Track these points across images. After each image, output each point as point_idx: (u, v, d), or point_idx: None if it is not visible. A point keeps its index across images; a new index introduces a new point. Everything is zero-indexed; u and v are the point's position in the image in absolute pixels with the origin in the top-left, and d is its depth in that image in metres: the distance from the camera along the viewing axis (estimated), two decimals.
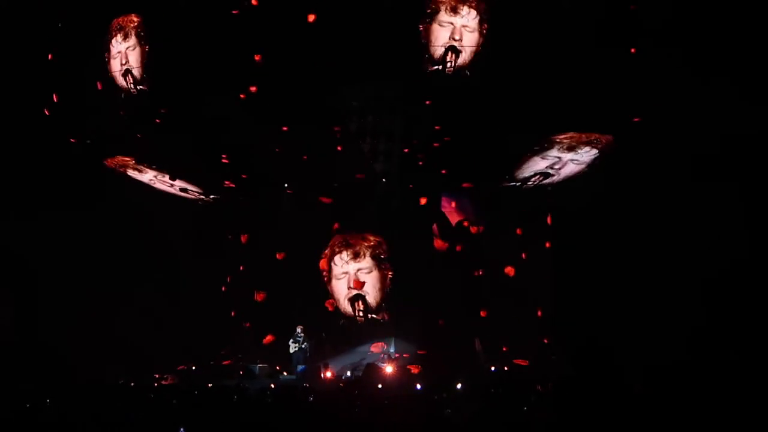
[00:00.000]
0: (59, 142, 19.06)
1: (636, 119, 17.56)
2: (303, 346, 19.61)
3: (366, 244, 20.39)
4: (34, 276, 19.32)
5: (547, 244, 19.85)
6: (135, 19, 19.13)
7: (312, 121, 18.97)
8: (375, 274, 20.29)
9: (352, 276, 20.22)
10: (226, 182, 20.59)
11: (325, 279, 20.44)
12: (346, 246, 20.36)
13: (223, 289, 21.17)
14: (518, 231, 19.92)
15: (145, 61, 19.04)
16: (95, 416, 10.96)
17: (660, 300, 17.25)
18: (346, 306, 20.31)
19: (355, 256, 20.23)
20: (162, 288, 20.24)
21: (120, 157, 20.16)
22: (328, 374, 18.79)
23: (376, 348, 19.97)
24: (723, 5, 16.19)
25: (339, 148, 19.62)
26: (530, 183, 19.60)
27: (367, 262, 20.29)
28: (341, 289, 20.36)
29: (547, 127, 18.34)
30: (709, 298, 16.73)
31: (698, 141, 16.87)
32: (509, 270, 19.66)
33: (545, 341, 19.31)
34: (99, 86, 19.04)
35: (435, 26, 17.77)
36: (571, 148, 18.81)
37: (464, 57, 17.86)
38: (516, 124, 17.84)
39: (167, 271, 20.23)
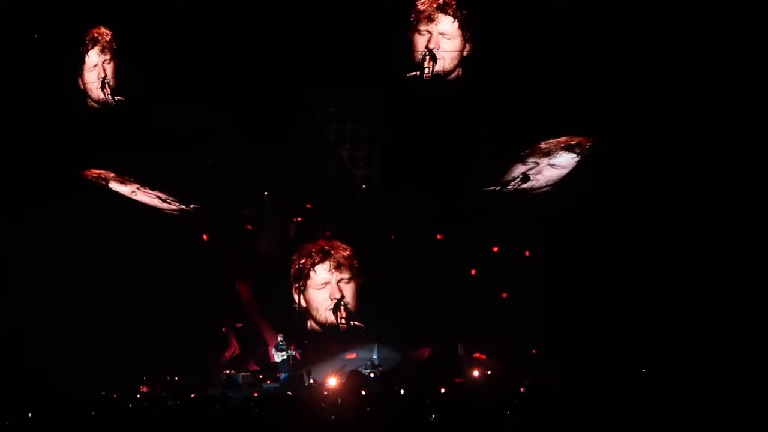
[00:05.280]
0: (35, 148, 18.89)
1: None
2: (287, 354, 19.52)
3: (344, 253, 20.37)
4: (9, 287, 19.00)
5: (527, 253, 19.87)
6: (108, 32, 19.15)
7: (291, 128, 19.03)
8: (353, 283, 20.25)
9: (334, 286, 20.19)
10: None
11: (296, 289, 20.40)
12: (325, 255, 20.32)
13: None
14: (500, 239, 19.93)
15: (122, 73, 19.05)
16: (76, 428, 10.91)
17: (649, 300, 17.23)
18: (326, 315, 20.24)
19: (338, 266, 20.22)
20: (145, 298, 20.02)
21: (98, 171, 20.07)
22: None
23: (351, 356, 19.96)
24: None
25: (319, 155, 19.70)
26: (510, 187, 19.61)
27: (346, 272, 20.26)
28: (320, 299, 20.31)
29: (529, 134, 18.41)
30: (697, 297, 16.69)
31: (680, 143, 16.91)
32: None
33: (533, 350, 19.31)
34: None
35: (412, 33, 17.94)
36: (547, 154, 18.88)
37: (443, 63, 17.99)
38: (497, 130, 17.95)
39: (150, 281, 19.99)
